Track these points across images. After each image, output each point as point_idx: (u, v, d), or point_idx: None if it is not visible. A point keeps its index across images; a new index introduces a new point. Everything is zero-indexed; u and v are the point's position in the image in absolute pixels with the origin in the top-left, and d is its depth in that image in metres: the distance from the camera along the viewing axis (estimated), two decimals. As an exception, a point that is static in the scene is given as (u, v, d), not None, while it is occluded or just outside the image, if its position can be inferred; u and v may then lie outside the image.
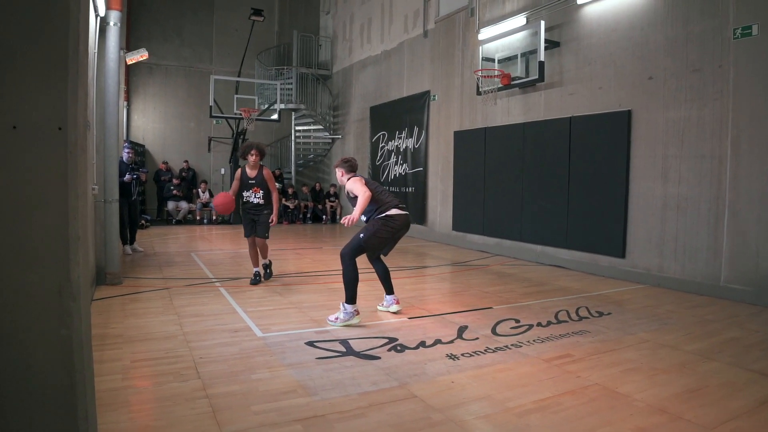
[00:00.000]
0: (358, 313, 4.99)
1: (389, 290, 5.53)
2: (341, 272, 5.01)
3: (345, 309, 4.91)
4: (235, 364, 3.82)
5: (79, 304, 1.65)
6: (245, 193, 6.73)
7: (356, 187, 4.99)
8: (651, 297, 6.63)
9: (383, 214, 5.06)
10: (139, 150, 15.33)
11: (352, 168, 5.33)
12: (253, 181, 6.70)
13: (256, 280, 6.81)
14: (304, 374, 3.64)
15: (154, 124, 16.98)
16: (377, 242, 5.11)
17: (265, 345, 4.28)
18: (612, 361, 4.14)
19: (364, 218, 5.13)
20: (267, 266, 7.11)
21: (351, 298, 4.93)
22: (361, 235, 5.05)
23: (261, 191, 6.70)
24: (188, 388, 3.33)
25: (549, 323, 5.19)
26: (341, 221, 4.81)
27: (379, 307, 5.60)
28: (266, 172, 6.77)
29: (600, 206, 8.32)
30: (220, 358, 3.94)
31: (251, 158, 6.66)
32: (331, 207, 16.61)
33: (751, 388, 3.67)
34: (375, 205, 5.09)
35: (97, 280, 6.32)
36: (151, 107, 16.92)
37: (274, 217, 6.75)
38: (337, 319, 4.91)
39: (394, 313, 5.43)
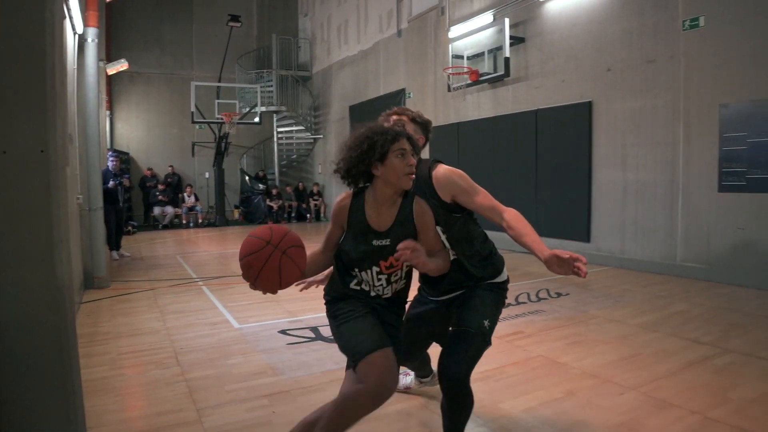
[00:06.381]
0: None
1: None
2: None
3: None
4: (212, 352, 4.19)
5: (63, 295, 2.02)
6: (357, 272, 2.31)
7: None
8: (612, 278, 7.04)
9: None
10: (123, 158, 15.62)
11: None
12: (386, 240, 2.23)
13: None
14: (274, 358, 4.02)
15: (137, 131, 17.29)
16: None
17: (241, 335, 4.66)
18: (559, 335, 4.53)
19: None
20: None
21: None
22: None
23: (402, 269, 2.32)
24: (169, 374, 3.70)
25: (508, 305, 5.58)
26: None
27: None
28: (420, 209, 2.26)
29: (566, 194, 8.74)
30: (199, 348, 4.31)
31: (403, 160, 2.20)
32: (315, 205, 16.97)
33: (681, 353, 4.07)
34: None
35: (86, 284, 6.65)
36: (134, 115, 17.22)
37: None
38: None
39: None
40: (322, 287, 2.49)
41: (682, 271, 7.09)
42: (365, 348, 2.09)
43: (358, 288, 2.27)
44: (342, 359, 3.95)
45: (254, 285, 2.12)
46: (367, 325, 2.19)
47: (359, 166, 2.16)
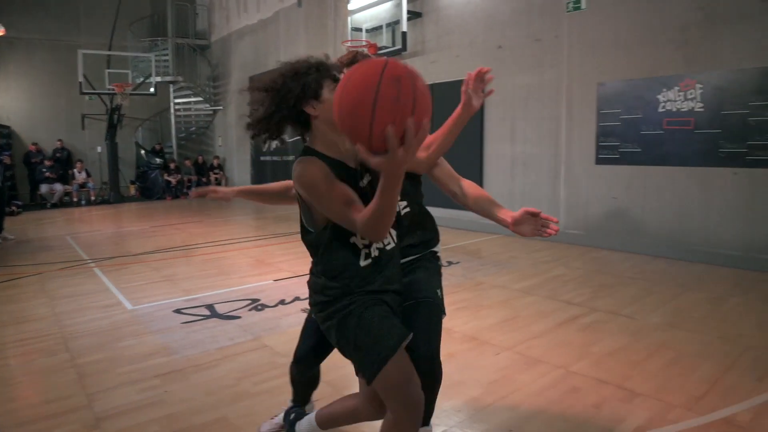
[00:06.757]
0: None
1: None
2: None
3: None
4: (103, 336, 4.13)
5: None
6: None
7: None
8: (501, 246, 7.49)
9: None
10: (3, 132, 14.55)
11: None
12: (367, 177, 1.88)
13: None
14: (168, 338, 4.04)
15: (19, 103, 16.06)
16: None
17: (134, 316, 4.60)
18: (447, 302, 4.77)
19: None
20: None
21: None
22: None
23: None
24: (57, 361, 3.64)
25: (403, 276, 5.84)
26: None
27: None
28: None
29: (459, 166, 8.92)
30: (90, 332, 4.23)
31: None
32: (216, 179, 16.60)
33: (554, 314, 4.48)
34: None
35: (-36, 270, 6.26)
36: (14, 85, 15.98)
37: None
38: None
39: None
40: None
41: (564, 238, 7.65)
42: (388, 349, 1.76)
43: (370, 260, 1.84)
44: (236, 336, 4.06)
45: (416, 107, 1.37)
46: (383, 317, 1.82)
47: (283, 106, 1.74)
